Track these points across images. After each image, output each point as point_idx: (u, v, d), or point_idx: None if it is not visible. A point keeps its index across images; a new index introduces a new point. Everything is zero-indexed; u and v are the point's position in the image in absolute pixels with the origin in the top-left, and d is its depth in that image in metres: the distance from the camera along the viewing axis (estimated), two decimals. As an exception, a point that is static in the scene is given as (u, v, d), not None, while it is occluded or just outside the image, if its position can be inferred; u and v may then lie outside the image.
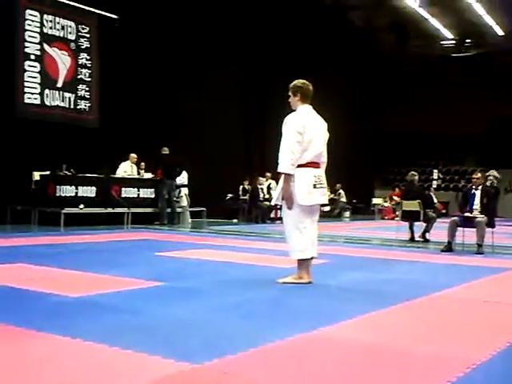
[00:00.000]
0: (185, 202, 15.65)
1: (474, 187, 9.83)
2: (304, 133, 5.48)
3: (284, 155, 5.44)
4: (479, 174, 9.95)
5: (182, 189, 15.53)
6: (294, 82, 5.78)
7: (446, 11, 24.39)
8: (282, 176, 5.59)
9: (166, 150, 14.59)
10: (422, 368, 3.07)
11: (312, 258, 5.71)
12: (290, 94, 5.76)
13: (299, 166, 5.51)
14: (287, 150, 5.43)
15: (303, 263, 5.57)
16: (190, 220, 15.68)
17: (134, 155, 14.66)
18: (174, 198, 15.08)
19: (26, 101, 13.38)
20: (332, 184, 22.57)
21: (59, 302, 4.43)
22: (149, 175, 15.09)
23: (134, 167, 14.86)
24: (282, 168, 5.47)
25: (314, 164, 5.59)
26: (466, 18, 24.76)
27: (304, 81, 5.80)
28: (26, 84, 13.37)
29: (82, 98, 14.70)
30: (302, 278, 5.55)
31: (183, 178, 15.59)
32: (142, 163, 15.13)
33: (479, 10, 23.84)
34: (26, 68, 13.39)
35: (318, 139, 5.62)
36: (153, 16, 15.82)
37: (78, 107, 14.58)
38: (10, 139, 12.71)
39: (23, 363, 2.95)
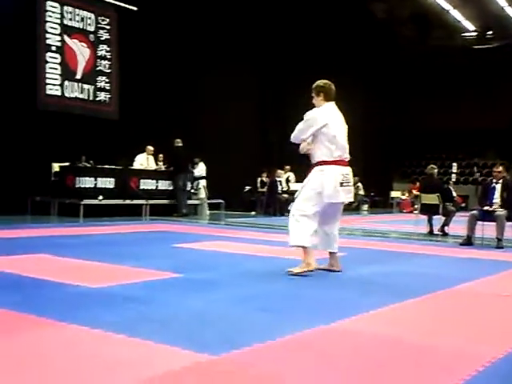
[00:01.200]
0: (203, 193, 15.69)
1: (494, 181, 9.73)
2: (327, 128, 5.61)
3: (294, 133, 5.82)
4: (500, 168, 9.83)
5: (201, 181, 15.56)
6: (317, 83, 5.87)
7: (467, 3, 24.12)
8: (312, 170, 5.74)
9: (179, 142, 14.59)
10: (440, 362, 3.05)
11: (334, 252, 5.92)
12: (313, 94, 5.88)
13: (327, 162, 5.59)
14: (297, 129, 5.79)
15: (307, 251, 5.60)
16: (208, 212, 15.71)
17: (150, 147, 14.70)
18: (192, 190, 15.13)
19: (48, 92, 13.48)
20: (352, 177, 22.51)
21: (79, 293, 4.47)
22: (163, 168, 15.09)
23: (151, 159, 14.90)
24: (293, 138, 5.83)
25: (341, 162, 5.68)
26: (487, 9, 24.47)
27: (326, 81, 5.89)
28: (47, 75, 13.47)
29: (102, 89, 14.77)
30: (309, 265, 5.58)
31: (201, 170, 15.62)
32: (160, 155, 15.17)
33: (501, 1, 23.55)
34: (48, 59, 13.49)
35: (342, 135, 5.75)
36: (172, 7, 15.83)
37: (98, 99, 14.65)
38: (30, 130, 12.83)
39: (44, 352, 2.98)
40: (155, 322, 3.62)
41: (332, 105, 5.81)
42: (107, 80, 14.90)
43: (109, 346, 3.11)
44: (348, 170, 5.75)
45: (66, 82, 13.89)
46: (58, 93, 13.71)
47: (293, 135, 5.83)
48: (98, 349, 3.05)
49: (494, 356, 3.15)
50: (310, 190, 5.63)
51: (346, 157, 5.77)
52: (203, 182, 15.77)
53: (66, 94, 13.89)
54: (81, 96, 14.25)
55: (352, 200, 5.96)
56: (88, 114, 14.19)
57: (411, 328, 3.80)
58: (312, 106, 5.82)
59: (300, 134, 5.75)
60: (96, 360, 2.87)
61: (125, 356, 2.94)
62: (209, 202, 15.95)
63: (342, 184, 5.61)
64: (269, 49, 20.02)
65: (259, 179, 18.36)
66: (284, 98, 20.20)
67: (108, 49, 14.95)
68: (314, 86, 5.85)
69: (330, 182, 5.56)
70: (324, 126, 5.59)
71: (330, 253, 5.96)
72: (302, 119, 5.75)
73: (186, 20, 16.27)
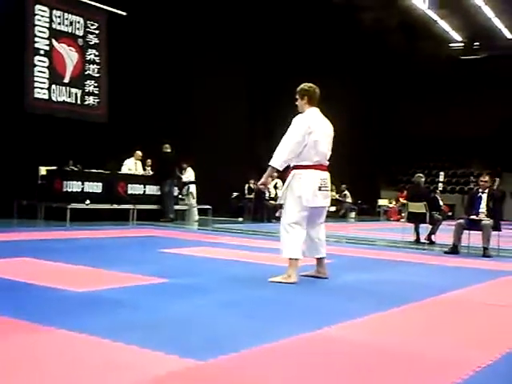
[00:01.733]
0: (192, 199, 15.67)
1: (480, 190, 9.80)
2: (310, 133, 5.53)
3: (280, 151, 5.53)
4: (487, 177, 9.91)
5: (190, 186, 15.53)
6: (301, 86, 5.84)
7: (454, 13, 24.35)
8: (289, 175, 5.69)
9: (167, 148, 14.55)
10: (425, 370, 3.06)
11: (322, 258, 5.88)
12: (297, 97, 5.84)
13: (306, 167, 5.57)
14: (285, 147, 5.53)
15: (292, 263, 5.58)
16: (197, 217, 15.69)
17: (139, 152, 14.68)
18: (180, 196, 15.10)
19: (36, 96, 13.43)
20: (338, 185, 22.61)
21: (64, 297, 4.44)
22: (150, 173, 15.05)
23: (139, 164, 14.87)
24: (274, 162, 5.54)
25: (320, 166, 5.66)
26: (474, 20, 24.71)
27: (311, 84, 5.86)
28: (35, 79, 13.42)
29: (90, 93, 14.74)
30: (290, 278, 5.54)
31: (190, 175, 15.59)
32: (149, 160, 15.13)
33: (488, 12, 23.78)
34: (36, 63, 13.45)
35: (324, 141, 5.70)
36: (161, 13, 15.85)
37: (86, 103, 14.61)
38: (18, 134, 12.77)
39: (28, 357, 2.95)
40: (141, 327, 3.61)
41: (316, 111, 5.78)
42: (96, 84, 14.87)
43: (94, 351, 3.08)
44: (326, 174, 5.74)
45: (54, 86, 13.85)
46: (46, 96, 13.66)
47: (285, 159, 5.50)
48: (83, 353, 3.03)
49: (479, 363, 3.17)
50: (291, 197, 5.62)
51: (325, 163, 5.77)
52: (192, 188, 15.75)
53: (54, 98, 13.85)
54: (68, 100, 14.20)
55: (329, 204, 5.93)
56: (75, 118, 14.15)
57: (397, 336, 3.80)
58: (298, 110, 5.80)
59: (298, 148, 5.50)
60: (82, 365, 2.85)
61: (111, 361, 2.93)
62: (197, 207, 15.93)
63: (320, 188, 5.61)
64: (257, 56, 20.09)
65: (247, 185, 18.37)
66: (272, 103, 20.24)
67: (97, 53, 14.92)
68: (298, 89, 5.82)
69: (308, 187, 5.56)
70: (309, 133, 5.56)
71: (318, 259, 5.96)
72: (290, 123, 5.65)
73: (174, 25, 16.29)
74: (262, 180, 5.91)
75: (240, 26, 18.71)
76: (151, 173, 15.00)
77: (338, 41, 23.51)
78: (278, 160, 5.52)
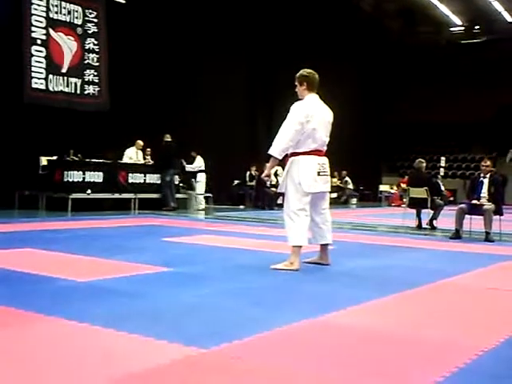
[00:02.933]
0: (201, 187, 15.71)
1: (482, 175, 9.79)
2: (308, 121, 5.54)
3: (279, 140, 5.54)
4: (488, 162, 9.89)
5: (199, 174, 15.50)
6: (300, 72, 5.84)
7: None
8: (288, 162, 5.71)
9: (168, 137, 14.54)
10: (427, 355, 3.07)
11: (327, 244, 5.94)
12: (296, 83, 5.83)
13: (304, 153, 5.59)
14: (284, 136, 5.53)
15: (295, 250, 5.59)
16: (202, 206, 15.71)
17: (140, 141, 14.67)
18: (181, 184, 15.12)
19: (34, 86, 13.38)
20: (339, 171, 22.59)
21: (67, 287, 4.45)
22: (151, 162, 15.04)
23: (140, 153, 14.86)
24: (273, 151, 5.55)
25: (317, 152, 5.66)
26: (474, 4, 24.57)
27: (310, 70, 5.86)
28: (32, 69, 13.37)
29: (90, 82, 14.67)
30: (293, 265, 5.55)
31: (199, 164, 15.58)
32: (148, 149, 15.12)
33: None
34: (33, 53, 13.38)
35: (323, 128, 5.69)
36: (159, 2, 15.74)
37: (86, 92, 14.55)
38: (18, 124, 12.73)
39: (31, 347, 2.96)
40: (144, 316, 3.62)
41: (315, 97, 5.77)
42: (95, 73, 14.80)
43: (98, 340, 3.09)
44: (325, 159, 5.75)
45: (51, 76, 13.77)
46: (43, 87, 13.60)
47: (284, 147, 5.51)
48: (87, 343, 3.04)
49: (481, 348, 3.17)
50: (291, 185, 5.62)
51: (323, 148, 5.76)
52: (201, 176, 15.69)
53: (51, 88, 13.78)
54: (66, 90, 14.11)
55: (329, 189, 5.93)
56: (74, 108, 14.09)
57: (399, 321, 3.81)
58: (298, 98, 5.80)
59: (296, 136, 5.50)
60: (85, 354, 2.86)
61: (114, 350, 2.94)
62: (198, 195, 15.94)
63: (319, 173, 5.61)
64: (257, 43, 19.99)
65: (248, 173, 18.36)
66: (272, 90, 20.19)
67: (96, 42, 14.84)
68: (297, 75, 5.81)
69: (307, 172, 5.56)
70: (307, 120, 5.55)
71: (322, 245, 5.96)
72: (288, 116, 5.64)
73: (175, 12, 16.20)
74: (266, 172, 5.95)
75: (239, 14, 18.61)
76: (151, 162, 14.99)
77: (336, 28, 23.38)
78: (276, 149, 5.53)
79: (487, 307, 4.39)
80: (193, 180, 15.73)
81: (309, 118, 5.53)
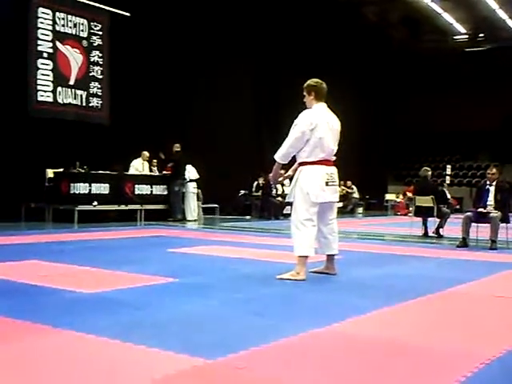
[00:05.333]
0: (190, 197, 15.40)
1: (488, 183, 9.77)
2: (313, 130, 5.56)
3: (283, 146, 5.67)
4: (494, 170, 9.87)
5: (190, 184, 15.14)
6: (308, 82, 5.85)
7: (458, 6, 24.20)
8: (296, 172, 5.75)
9: (178, 147, 14.57)
10: (435, 363, 3.06)
11: (333, 254, 5.95)
12: (304, 93, 5.85)
13: (312, 163, 5.60)
14: (286, 142, 5.67)
15: (301, 260, 5.58)
16: (202, 216, 15.64)
17: (146, 153, 14.70)
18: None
19: (39, 99, 13.46)
20: (344, 180, 22.57)
21: (73, 298, 4.45)
22: (157, 173, 15.03)
23: (146, 164, 14.89)
24: (276, 155, 5.72)
25: (326, 161, 5.66)
26: (478, 12, 24.56)
27: (317, 80, 5.87)
28: (38, 82, 13.45)
29: (94, 95, 14.75)
30: (299, 275, 5.54)
31: (192, 173, 15.38)
32: (154, 160, 15.15)
33: (492, 4, 23.65)
34: (39, 66, 13.46)
35: (330, 137, 5.68)
36: (164, 13, 15.82)
37: (90, 105, 14.63)
38: (24, 137, 12.79)
39: (38, 358, 2.96)
40: (150, 327, 3.62)
41: (323, 106, 5.79)
42: (99, 86, 14.88)
43: (104, 351, 3.10)
44: (333, 169, 5.76)
45: (59, 88, 13.86)
46: (50, 99, 13.67)
47: (284, 153, 5.63)
48: (93, 354, 3.04)
49: (489, 357, 3.16)
50: (299, 194, 5.62)
51: (331, 158, 5.77)
52: (191, 186, 15.28)
53: (59, 100, 13.86)
54: (74, 102, 14.22)
55: (338, 200, 5.94)
56: (81, 120, 14.17)
57: (406, 330, 3.80)
58: (305, 107, 5.81)
59: (296, 143, 5.58)
60: (92, 365, 2.86)
61: (120, 361, 2.94)
62: (203, 206, 15.91)
63: (327, 183, 5.61)
64: (262, 54, 20.04)
65: (255, 183, 18.34)
66: (278, 100, 20.21)
67: (100, 54, 14.93)
68: (305, 85, 5.83)
69: (315, 183, 5.57)
70: (313, 129, 5.57)
71: (328, 255, 5.95)
72: (294, 123, 5.70)
73: (177, 25, 16.25)
74: (272, 173, 5.97)
75: (244, 24, 18.67)
76: (157, 173, 15.01)
77: (341, 36, 23.44)
78: (278, 154, 5.69)
79: (495, 315, 4.37)
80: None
81: (313, 126, 5.55)
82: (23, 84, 13.17)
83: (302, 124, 5.59)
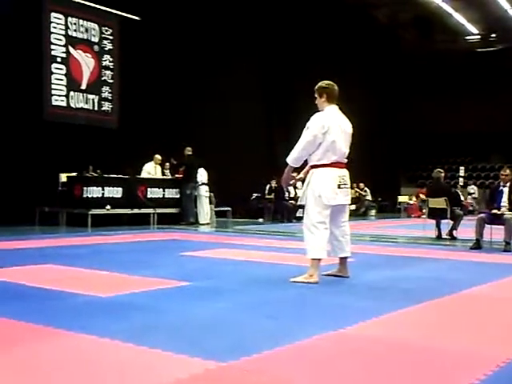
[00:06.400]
0: (203, 200, 15.38)
1: (501, 184, 9.71)
2: (325, 133, 5.54)
3: (295, 149, 5.67)
4: (508, 171, 9.80)
5: (202, 187, 15.14)
6: (319, 84, 5.83)
7: (470, 6, 24.10)
8: (308, 174, 5.75)
9: (189, 151, 14.58)
10: (449, 366, 3.04)
11: (346, 257, 5.92)
12: (316, 95, 5.82)
13: (324, 165, 5.58)
14: (297, 145, 5.65)
15: (315, 262, 5.57)
16: (215, 219, 15.65)
17: (158, 156, 14.72)
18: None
19: (54, 103, 13.56)
20: (357, 182, 22.52)
21: (87, 302, 4.48)
22: (169, 176, 15.06)
23: (158, 168, 14.92)
24: (288, 158, 5.73)
25: (338, 164, 5.65)
26: (490, 12, 24.44)
27: (329, 82, 5.85)
28: (53, 86, 13.55)
29: (106, 99, 14.84)
30: (312, 278, 5.53)
31: (201, 176, 15.35)
32: (167, 164, 15.19)
33: (504, 4, 23.53)
34: (53, 70, 13.57)
35: (342, 140, 5.67)
36: (173, 17, 15.88)
37: (102, 109, 14.73)
38: (38, 141, 12.89)
39: (50, 361, 2.98)
40: (163, 331, 3.63)
41: (335, 108, 5.77)
42: (110, 90, 14.96)
43: (117, 355, 3.11)
44: (345, 172, 5.74)
45: (72, 93, 13.97)
46: (64, 103, 13.78)
47: (296, 156, 5.63)
48: (106, 357, 3.06)
49: (503, 359, 3.13)
50: (311, 197, 5.61)
51: (343, 160, 5.76)
52: (203, 189, 15.26)
53: (72, 105, 13.97)
54: (86, 106, 14.32)
55: (349, 202, 5.92)
56: (93, 124, 14.25)
57: (420, 332, 3.78)
58: (316, 109, 5.80)
59: (308, 146, 5.57)
60: (104, 368, 2.87)
61: (133, 364, 2.95)
62: (216, 209, 15.91)
63: (339, 186, 5.60)
64: (273, 56, 20.07)
65: (268, 186, 18.33)
66: (289, 103, 20.21)
67: (111, 59, 15.01)
68: (316, 87, 5.82)
69: (327, 185, 5.56)
70: (325, 132, 5.56)
71: (341, 258, 5.94)
72: (306, 126, 5.70)
73: (187, 28, 16.31)
74: (284, 176, 5.94)
75: (254, 27, 18.71)
76: (170, 176, 15.05)
77: (352, 39, 23.43)
78: (290, 157, 5.69)
79: (508, 318, 4.34)
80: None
81: (325, 130, 5.54)
82: (37, 88, 13.27)
83: (314, 127, 5.57)
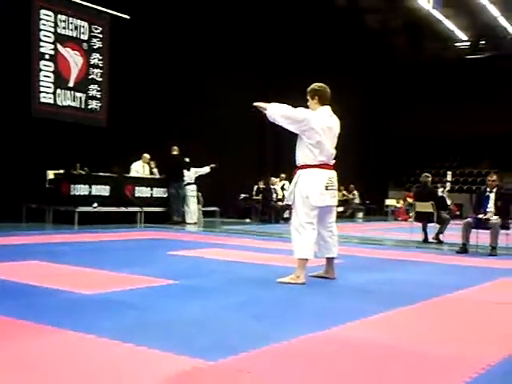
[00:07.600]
0: (190, 200, 15.31)
1: (488, 189, 9.78)
2: (315, 132, 5.57)
3: (283, 110, 5.70)
4: (494, 177, 9.88)
5: (188, 187, 15.09)
6: (312, 86, 5.86)
7: (460, 13, 24.29)
8: (295, 175, 5.74)
9: (175, 150, 14.56)
10: (435, 369, 3.06)
11: (333, 258, 5.92)
12: (308, 97, 5.84)
13: (312, 166, 5.59)
14: (288, 111, 5.68)
15: (301, 263, 5.58)
16: (202, 219, 15.64)
17: (146, 155, 14.69)
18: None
19: (42, 100, 13.48)
20: (347, 185, 22.59)
21: (74, 299, 4.46)
22: (157, 175, 15.02)
23: (147, 167, 14.88)
24: (271, 109, 5.76)
25: (326, 165, 5.66)
26: (480, 19, 24.64)
27: (321, 84, 5.88)
28: (41, 84, 13.47)
29: (93, 97, 14.77)
30: (299, 278, 5.54)
31: (187, 176, 15.26)
32: (152, 162, 15.11)
33: (493, 11, 23.71)
34: (42, 68, 13.49)
35: (329, 141, 5.69)
36: (163, 16, 15.85)
37: (89, 107, 14.65)
38: (25, 138, 12.82)
39: (38, 358, 2.97)
40: (151, 328, 3.62)
41: (327, 109, 5.79)
42: (98, 88, 14.90)
43: (104, 352, 3.10)
44: (333, 173, 5.75)
45: (59, 90, 13.88)
46: (51, 101, 13.70)
47: (279, 114, 5.67)
48: (93, 355, 3.05)
49: (488, 363, 3.16)
50: (299, 198, 5.62)
51: (331, 162, 5.77)
52: (191, 188, 15.22)
53: (58, 102, 13.88)
54: (73, 104, 14.23)
55: (336, 204, 5.94)
56: (80, 122, 14.17)
57: (405, 335, 3.80)
58: None
59: (294, 119, 5.62)
60: (92, 366, 2.86)
61: (120, 361, 2.94)
62: (204, 209, 15.90)
63: (326, 188, 5.62)
64: (265, 60, 20.09)
65: (256, 186, 18.35)
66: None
67: (100, 57, 14.95)
68: (308, 89, 5.84)
69: (315, 186, 5.57)
70: (310, 130, 5.57)
71: (328, 259, 5.95)
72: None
73: (177, 28, 16.28)
74: (259, 104, 5.96)
75: (247, 29, 18.71)
76: (157, 175, 15.02)
77: (344, 43, 23.52)
78: (274, 110, 5.74)
79: (494, 321, 4.37)
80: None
81: (314, 126, 5.56)
82: (25, 85, 13.19)
83: (311, 116, 5.61)
